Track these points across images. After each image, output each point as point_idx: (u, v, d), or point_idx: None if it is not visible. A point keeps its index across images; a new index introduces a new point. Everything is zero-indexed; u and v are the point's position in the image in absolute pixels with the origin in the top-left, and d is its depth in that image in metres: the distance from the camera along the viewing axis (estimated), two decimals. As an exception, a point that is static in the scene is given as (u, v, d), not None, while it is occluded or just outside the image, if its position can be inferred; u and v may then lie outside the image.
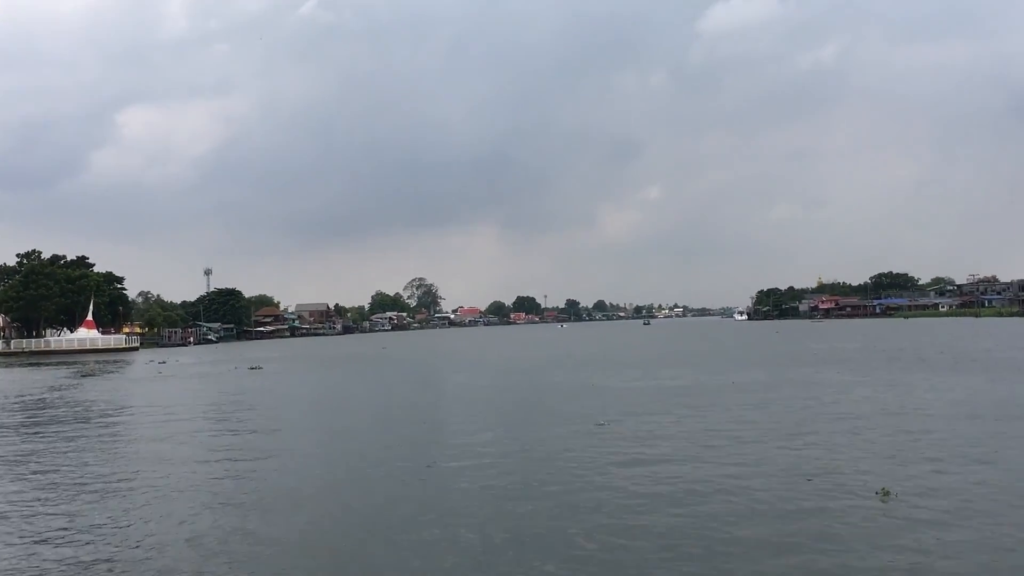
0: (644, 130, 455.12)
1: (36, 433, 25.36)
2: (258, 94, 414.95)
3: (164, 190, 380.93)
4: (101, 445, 22.25)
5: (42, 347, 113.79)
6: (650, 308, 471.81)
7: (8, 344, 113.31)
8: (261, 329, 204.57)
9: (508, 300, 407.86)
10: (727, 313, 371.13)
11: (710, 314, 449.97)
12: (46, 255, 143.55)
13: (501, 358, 63.39)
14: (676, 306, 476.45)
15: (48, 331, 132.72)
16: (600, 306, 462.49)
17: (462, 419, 24.76)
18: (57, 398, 38.14)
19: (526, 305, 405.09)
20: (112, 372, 61.81)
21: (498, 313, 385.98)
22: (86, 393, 40.86)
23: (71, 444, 22.56)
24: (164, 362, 74.01)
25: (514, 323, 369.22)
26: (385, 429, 23.47)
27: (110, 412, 30.93)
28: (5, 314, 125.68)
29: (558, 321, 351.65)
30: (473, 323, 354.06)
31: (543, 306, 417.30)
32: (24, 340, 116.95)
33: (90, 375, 56.74)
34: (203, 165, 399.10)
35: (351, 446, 20.62)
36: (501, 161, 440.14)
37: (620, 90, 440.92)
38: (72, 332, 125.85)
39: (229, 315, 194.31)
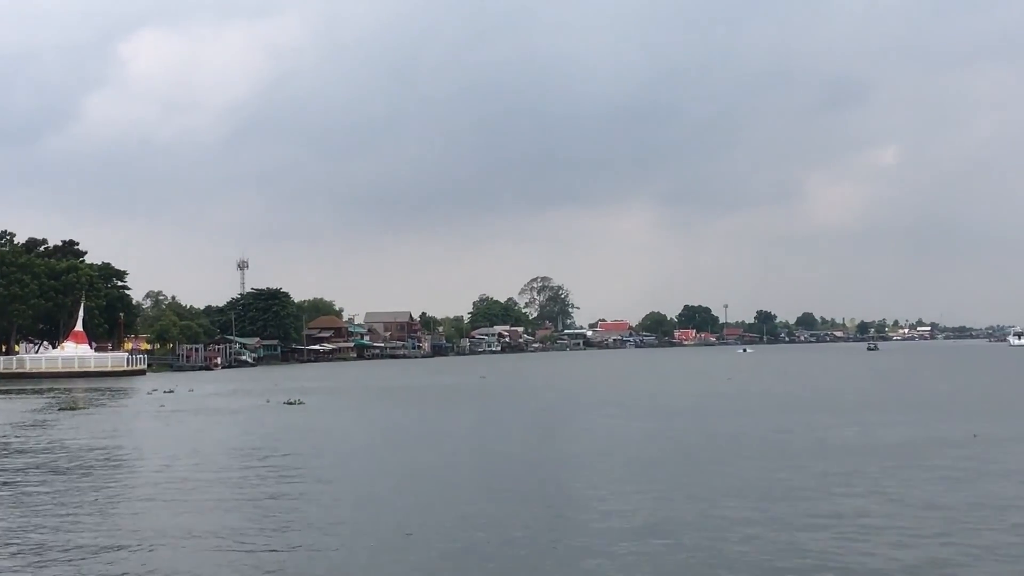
0: (873, 64, 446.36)
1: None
2: (315, 15, 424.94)
3: (184, 150, 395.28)
4: (61, 507, 21.95)
5: (13, 368, 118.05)
6: (880, 325, 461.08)
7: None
8: (316, 348, 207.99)
9: (671, 311, 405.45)
10: (998, 334, 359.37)
11: (972, 335, 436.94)
12: (20, 238, 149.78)
13: (659, 394, 63.03)
14: (920, 323, 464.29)
15: (22, 346, 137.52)
16: (806, 321, 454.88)
17: (596, 481, 24.99)
18: (18, 440, 38.52)
19: (697, 319, 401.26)
20: (101, 405, 62.77)
21: (656, 329, 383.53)
22: (60, 433, 41.44)
23: (17, 508, 22.25)
24: (171, 391, 75.08)
25: (680, 344, 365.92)
26: (485, 496, 23.22)
27: (82, 462, 30.98)
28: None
29: (743, 343, 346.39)
30: (620, 343, 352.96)
31: (722, 320, 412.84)
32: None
33: (71, 408, 57.67)
34: (238, 116, 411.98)
35: (434, 520, 20.30)
36: (658, 111, 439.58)
37: (838, 7, 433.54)
38: (54, 348, 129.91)
39: (272, 327, 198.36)
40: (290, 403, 57.79)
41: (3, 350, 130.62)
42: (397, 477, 26.86)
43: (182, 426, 45.02)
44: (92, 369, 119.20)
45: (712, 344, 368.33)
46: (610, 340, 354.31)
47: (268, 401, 60.64)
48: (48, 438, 39.30)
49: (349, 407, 57.25)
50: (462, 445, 34.92)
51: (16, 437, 40.00)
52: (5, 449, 35.41)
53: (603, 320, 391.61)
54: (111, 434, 40.55)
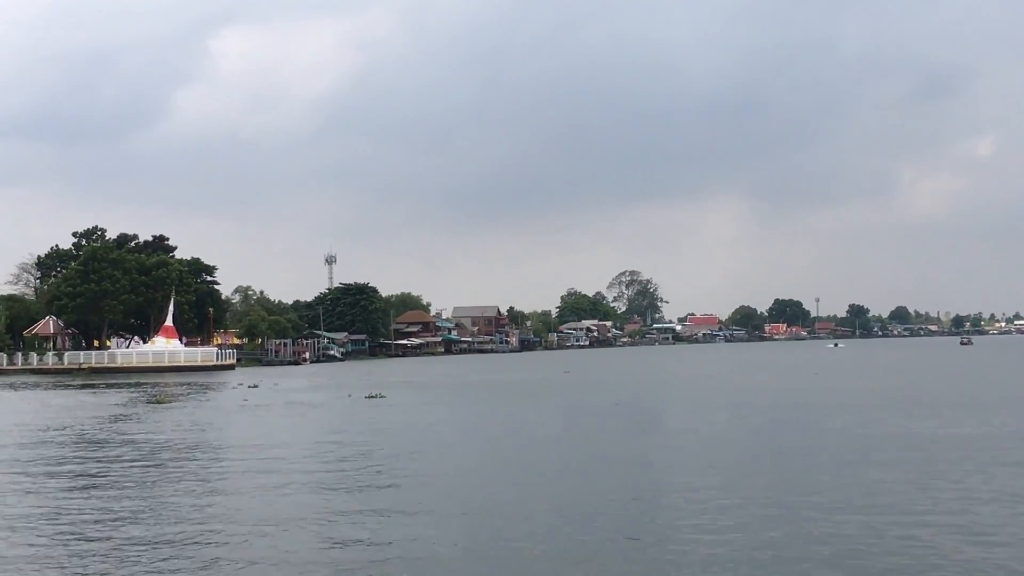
0: (971, 53, 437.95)
1: (62, 481, 25.97)
2: (401, 10, 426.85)
3: (270, 144, 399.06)
4: (142, 506, 22.14)
5: (105, 362, 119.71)
6: (976, 319, 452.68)
7: (61, 357, 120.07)
8: (404, 343, 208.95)
9: (761, 305, 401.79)
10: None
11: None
12: (112, 234, 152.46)
13: (742, 389, 62.80)
14: (1018, 316, 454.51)
15: (113, 340, 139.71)
16: (899, 315, 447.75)
17: (690, 474, 25.36)
18: (104, 433, 39.35)
19: (788, 312, 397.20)
20: (188, 399, 63.83)
21: (746, 324, 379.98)
22: (145, 426, 42.27)
23: (90, 502, 22.40)
24: (256, 386, 75.72)
25: (770, 338, 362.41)
26: (574, 495, 23.12)
27: (163, 455, 31.43)
28: (57, 317, 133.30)
29: (835, 337, 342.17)
30: (710, 337, 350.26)
31: (813, 314, 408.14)
32: (82, 353, 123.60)
33: (157, 402, 58.39)
34: (323, 110, 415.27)
35: (527, 515, 20.17)
36: (750, 102, 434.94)
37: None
38: (146, 342, 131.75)
39: (360, 321, 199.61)
40: (371, 397, 58.10)
41: (95, 345, 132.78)
42: (477, 474, 26.67)
43: (262, 420, 45.28)
44: (182, 364, 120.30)
45: (803, 338, 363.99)
46: (699, 334, 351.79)
47: (350, 395, 60.99)
48: (131, 431, 39.84)
49: (430, 401, 57.39)
50: (544, 441, 34.66)
51: (99, 430, 40.50)
52: (87, 442, 35.81)
53: (692, 314, 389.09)
54: (192, 428, 41.11)
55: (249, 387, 74.70)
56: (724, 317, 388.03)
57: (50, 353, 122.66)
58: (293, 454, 30.88)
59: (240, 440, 35.65)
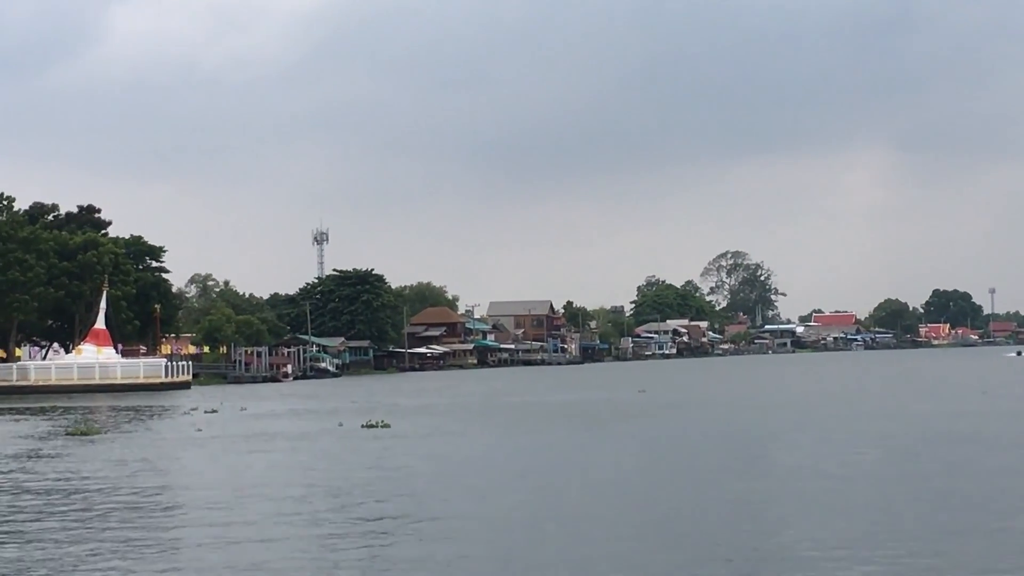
0: None
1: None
2: None
3: (237, 80, 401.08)
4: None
5: (13, 379, 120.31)
6: None
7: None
8: (423, 351, 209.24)
9: (915, 299, 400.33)
10: None
11: None
12: (22, 203, 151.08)
13: (898, 415, 62.32)
14: None
15: (24, 349, 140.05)
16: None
17: (805, 529, 25.47)
18: (6, 476, 39.16)
19: (951, 309, 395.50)
20: (124, 429, 63.68)
21: (893, 324, 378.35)
22: (60, 465, 42.19)
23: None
24: (215, 411, 75.69)
25: (927, 343, 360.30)
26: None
27: (78, 504, 31.19)
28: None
29: (1016, 342, 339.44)
30: (843, 343, 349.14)
31: (987, 311, 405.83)
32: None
33: (80, 434, 58.23)
34: (311, 31, 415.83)
35: None
36: (900, 20, 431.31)
37: None
38: (68, 352, 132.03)
39: (361, 322, 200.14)
40: (370, 426, 57.76)
41: (1, 355, 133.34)
42: (512, 532, 26.48)
43: (215, 458, 45.25)
44: (118, 381, 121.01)
45: (972, 344, 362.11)
46: (829, 339, 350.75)
47: (341, 424, 60.64)
48: (42, 472, 39.74)
49: (450, 431, 57.26)
50: (607, 486, 34.34)
51: (11, 468, 40.43)
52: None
53: (819, 311, 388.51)
54: (120, 469, 40.72)
55: (206, 412, 74.65)
56: (863, 315, 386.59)
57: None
58: (244, 508, 30.47)
59: (180, 484, 35.59)
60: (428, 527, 26.74)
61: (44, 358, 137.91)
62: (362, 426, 58.06)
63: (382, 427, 56.88)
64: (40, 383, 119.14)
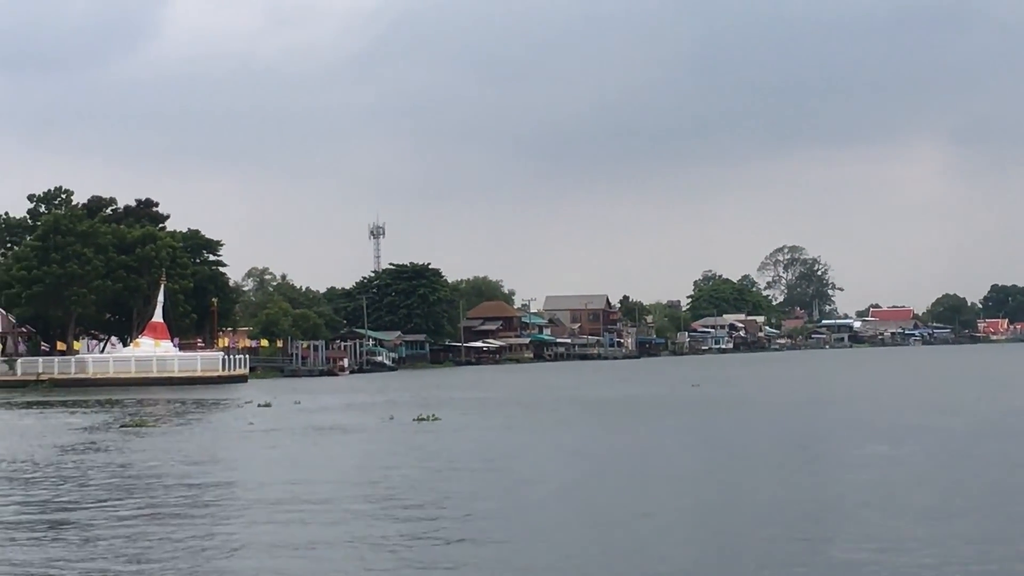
0: None
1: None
2: None
3: (294, 73, 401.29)
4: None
5: (72, 371, 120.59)
6: None
7: (12, 366, 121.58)
8: (478, 345, 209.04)
9: (973, 294, 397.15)
10: None
11: None
12: (80, 197, 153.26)
13: (955, 410, 61.76)
14: None
15: (83, 342, 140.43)
16: None
17: (866, 524, 25.11)
18: (46, 467, 39.40)
19: (1010, 304, 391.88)
20: (175, 422, 64.02)
21: (951, 319, 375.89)
22: (108, 458, 42.29)
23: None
24: (268, 405, 75.71)
25: (985, 338, 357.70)
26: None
27: (120, 497, 31.04)
28: (6, 310, 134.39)
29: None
30: (900, 338, 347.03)
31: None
32: (41, 359, 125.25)
33: (135, 426, 58.47)
34: (369, 25, 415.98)
35: None
36: (955, 11, 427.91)
37: None
38: (126, 345, 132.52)
39: (418, 316, 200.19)
40: (420, 419, 57.69)
41: (58, 348, 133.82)
42: (562, 529, 26.11)
43: (263, 452, 45.20)
44: (175, 374, 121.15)
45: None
46: (886, 334, 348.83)
47: (392, 418, 60.65)
48: (90, 464, 39.88)
49: (501, 425, 57.01)
50: (658, 483, 34.06)
51: (39, 464, 40.49)
52: (17, 479, 35.76)
53: (876, 306, 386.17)
54: (166, 461, 40.82)
55: (259, 406, 74.68)
56: (921, 310, 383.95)
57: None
58: (288, 501, 30.18)
59: (225, 478, 35.46)
60: (470, 523, 26.44)
61: (102, 351, 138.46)
62: (413, 420, 58.14)
63: (432, 420, 56.75)
64: (98, 376, 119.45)
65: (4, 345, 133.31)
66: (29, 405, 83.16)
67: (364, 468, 38.19)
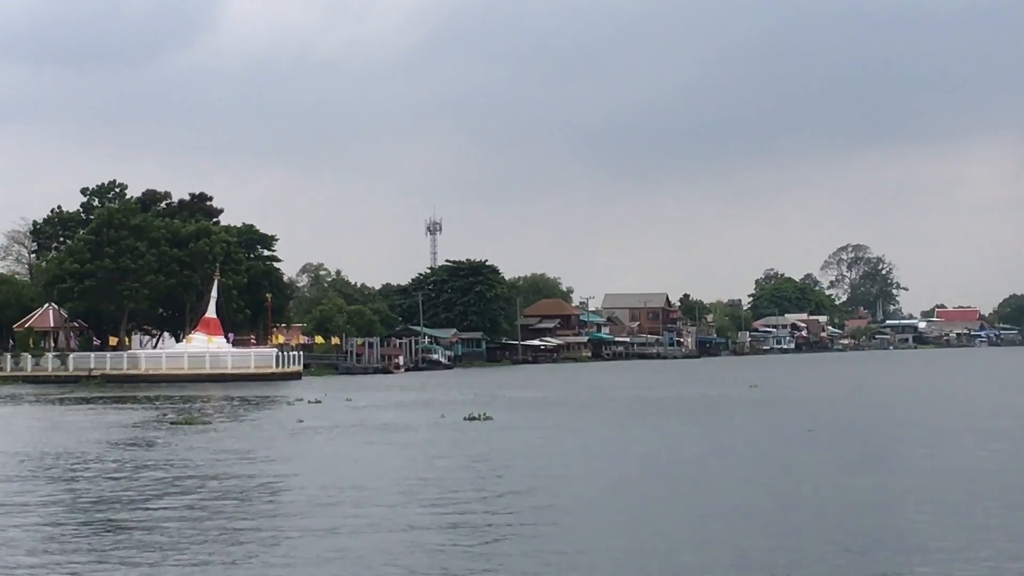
0: None
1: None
2: None
3: (352, 69, 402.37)
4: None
5: (124, 367, 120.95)
6: None
7: (64, 361, 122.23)
8: (536, 343, 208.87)
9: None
10: None
11: None
12: (135, 191, 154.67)
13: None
14: None
15: (135, 338, 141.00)
16: None
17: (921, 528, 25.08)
18: (92, 463, 39.56)
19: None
20: (229, 418, 64.36)
21: (1017, 320, 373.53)
22: (151, 454, 42.53)
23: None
24: (318, 402, 75.90)
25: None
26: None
27: (161, 495, 30.97)
28: (59, 304, 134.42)
29: None
30: (966, 339, 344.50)
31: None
32: (93, 354, 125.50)
33: (185, 423, 58.50)
34: (427, 20, 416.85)
35: None
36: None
37: None
38: (179, 341, 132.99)
39: (474, 314, 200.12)
40: (472, 418, 57.48)
41: (110, 344, 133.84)
42: (618, 532, 25.62)
43: (313, 449, 45.14)
44: (228, 371, 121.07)
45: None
46: (952, 335, 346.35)
47: (443, 416, 60.56)
48: (138, 460, 40.09)
49: (554, 424, 56.77)
50: (720, 486, 33.38)
51: (85, 460, 40.48)
52: (58, 477, 35.74)
53: (942, 307, 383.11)
54: (215, 458, 40.87)
55: (310, 403, 74.82)
56: (987, 311, 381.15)
57: (49, 354, 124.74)
58: (332, 500, 29.98)
59: (268, 476, 35.28)
60: (518, 526, 26.03)
61: (155, 347, 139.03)
62: (464, 418, 57.93)
63: (484, 420, 56.55)
64: (150, 372, 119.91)
65: (56, 340, 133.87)
66: (79, 401, 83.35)
67: (409, 467, 38.07)
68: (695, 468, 37.65)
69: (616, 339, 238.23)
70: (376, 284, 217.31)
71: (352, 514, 27.50)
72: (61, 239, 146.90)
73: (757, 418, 60.47)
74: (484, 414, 59.10)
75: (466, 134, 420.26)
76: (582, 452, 42.96)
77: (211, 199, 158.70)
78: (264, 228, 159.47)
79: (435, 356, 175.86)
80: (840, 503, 29.19)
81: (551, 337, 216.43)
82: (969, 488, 31.63)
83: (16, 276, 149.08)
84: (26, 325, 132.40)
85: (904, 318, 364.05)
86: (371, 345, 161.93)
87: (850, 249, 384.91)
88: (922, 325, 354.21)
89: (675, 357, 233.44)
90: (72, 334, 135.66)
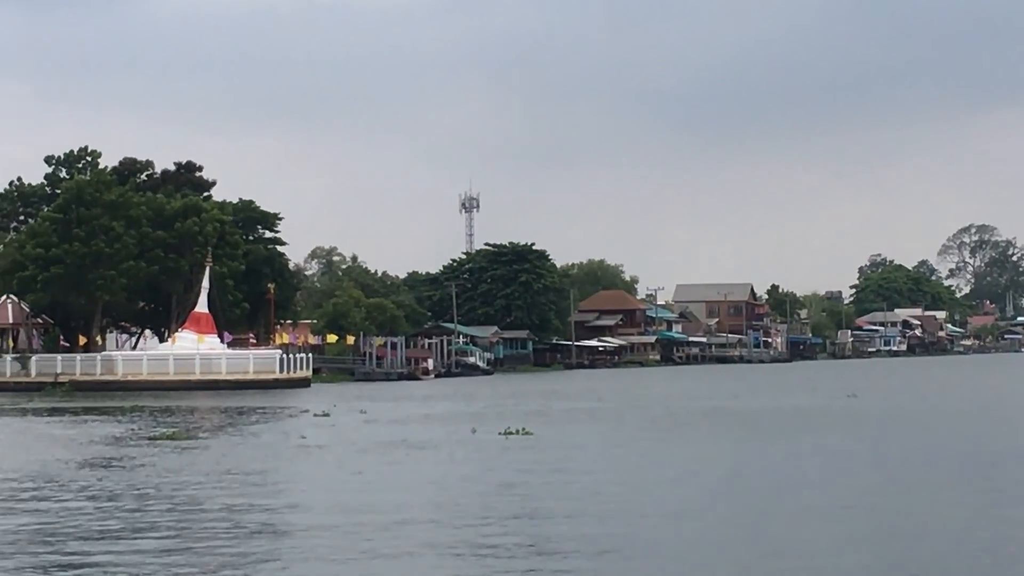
0: None
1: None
2: None
3: (366, 11, 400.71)
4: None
5: (98, 372, 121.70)
6: None
7: (25, 364, 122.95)
8: (593, 344, 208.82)
9: None
10: None
11: None
12: (110, 159, 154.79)
13: None
14: None
15: (111, 336, 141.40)
16: None
17: None
18: (54, 485, 39.70)
19: None
20: (220, 432, 64.97)
21: None
22: (134, 476, 42.59)
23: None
24: (326, 414, 75.90)
25: None
26: None
27: (152, 523, 30.63)
28: (19, 297, 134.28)
29: None
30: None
31: None
32: (60, 356, 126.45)
33: (167, 438, 58.79)
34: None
35: None
36: None
37: None
38: (164, 340, 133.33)
39: (519, 308, 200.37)
40: (508, 433, 57.36)
41: (81, 344, 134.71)
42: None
43: (315, 473, 45.21)
44: (223, 376, 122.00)
45: None
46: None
47: (475, 431, 60.30)
48: (105, 485, 39.92)
49: (606, 442, 56.61)
50: (806, 515, 33.27)
51: (50, 479, 40.86)
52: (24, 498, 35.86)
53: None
54: (200, 480, 40.89)
55: (316, 416, 74.78)
56: None
57: (7, 357, 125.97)
58: (332, 536, 29.66)
59: (259, 504, 35.13)
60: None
61: (134, 348, 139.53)
62: (499, 434, 57.78)
63: (523, 435, 56.34)
64: (129, 378, 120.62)
65: (16, 340, 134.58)
66: (43, 412, 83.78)
67: (427, 493, 37.95)
68: (775, 497, 37.27)
69: (690, 339, 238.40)
70: (400, 272, 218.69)
71: (351, 555, 27.16)
72: (21, 218, 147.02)
73: (855, 436, 59.93)
74: (523, 428, 59.01)
75: (508, 90, 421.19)
76: (638, 477, 42.71)
77: (201, 169, 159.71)
78: (265, 204, 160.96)
79: (471, 359, 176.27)
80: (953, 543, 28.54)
81: (611, 336, 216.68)
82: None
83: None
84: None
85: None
86: (394, 346, 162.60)
87: (973, 231, 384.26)
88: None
89: (761, 361, 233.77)
90: (35, 332, 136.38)
